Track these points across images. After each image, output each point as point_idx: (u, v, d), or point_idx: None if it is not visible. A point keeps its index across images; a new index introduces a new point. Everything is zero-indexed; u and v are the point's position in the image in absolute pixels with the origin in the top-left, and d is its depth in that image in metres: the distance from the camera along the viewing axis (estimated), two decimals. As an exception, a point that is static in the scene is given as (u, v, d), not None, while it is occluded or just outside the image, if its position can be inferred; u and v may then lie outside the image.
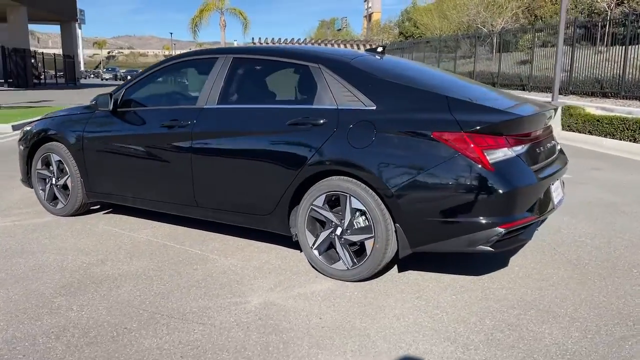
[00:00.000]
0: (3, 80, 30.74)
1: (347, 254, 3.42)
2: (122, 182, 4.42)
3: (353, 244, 3.43)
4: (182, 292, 3.26)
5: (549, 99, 12.27)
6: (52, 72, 39.21)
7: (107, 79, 57.53)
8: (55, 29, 37.86)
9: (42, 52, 37.32)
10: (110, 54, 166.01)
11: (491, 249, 3.10)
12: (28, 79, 30.65)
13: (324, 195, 3.44)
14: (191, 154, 3.90)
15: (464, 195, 3.06)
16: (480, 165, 3.03)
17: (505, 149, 3.13)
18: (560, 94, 15.00)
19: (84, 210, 4.87)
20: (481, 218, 3.06)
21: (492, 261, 3.83)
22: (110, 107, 4.31)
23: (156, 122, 4.12)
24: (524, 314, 3.04)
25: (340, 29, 67.32)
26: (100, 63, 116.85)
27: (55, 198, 4.86)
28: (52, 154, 4.76)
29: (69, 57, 37.21)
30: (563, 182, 4.02)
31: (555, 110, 3.90)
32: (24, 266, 3.66)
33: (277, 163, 3.57)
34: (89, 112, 4.54)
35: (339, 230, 3.43)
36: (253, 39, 21.14)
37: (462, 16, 25.59)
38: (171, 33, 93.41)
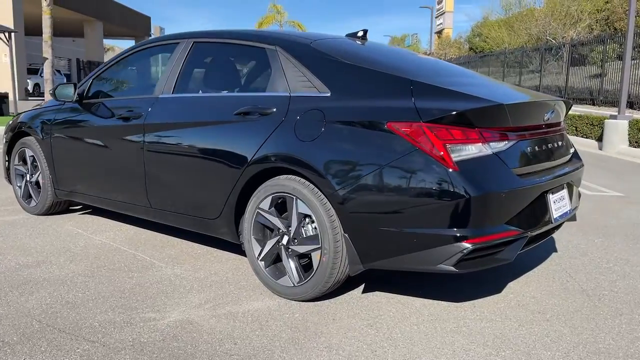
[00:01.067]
0: (77, 91, 32.23)
1: (293, 267, 2.87)
2: (84, 180, 4.08)
3: (302, 256, 2.88)
4: (96, 302, 2.83)
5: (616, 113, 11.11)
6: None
7: None
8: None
9: (117, 66, 38.93)
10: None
11: (454, 269, 2.45)
12: (100, 90, 32.01)
13: (270, 197, 2.91)
14: (143, 148, 3.50)
15: (421, 201, 2.45)
16: (441, 163, 2.41)
17: (479, 144, 2.49)
18: (633, 108, 13.70)
19: (59, 209, 4.58)
20: (442, 230, 2.43)
21: (483, 285, 3.15)
22: (74, 98, 4.00)
23: (114, 114, 3.76)
24: (495, 355, 2.37)
25: (410, 45, 66.67)
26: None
27: (30, 196, 4.62)
28: (26, 149, 4.53)
29: (141, 71, 38.67)
30: (578, 193, 3.29)
31: (568, 104, 3.18)
32: (-47, 264, 3.37)
33: (222, 159, 3.09)
34: (59, 104, 4.25)
35: (285, 239, 2.89)
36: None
37: (531, 27, 24.22)
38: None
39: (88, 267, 3.36)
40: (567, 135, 3.32)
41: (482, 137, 2.49)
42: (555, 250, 3.87)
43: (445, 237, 2.42)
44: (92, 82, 4.05)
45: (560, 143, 3.06)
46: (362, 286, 3.11)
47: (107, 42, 37.13)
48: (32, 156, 4.47)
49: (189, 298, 2.91)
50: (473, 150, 2.47)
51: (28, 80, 26.58)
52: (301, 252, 2.83)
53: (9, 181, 4.83)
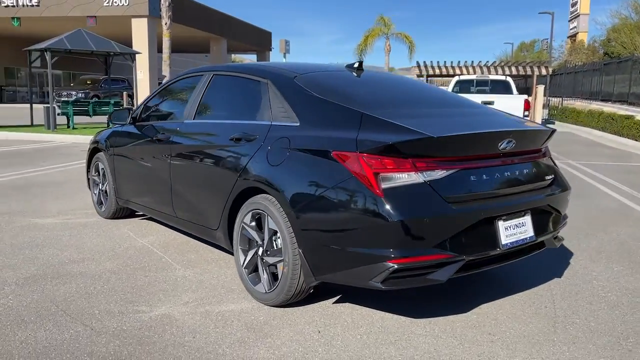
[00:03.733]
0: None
1: (266, 276, 3.26)
2: (133, 190, 4.80)
3: (273, 266, 3.26)
4: (107, 295, 3.42)
5: None
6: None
7: None
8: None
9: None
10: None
11: (381, 285, 2.69)
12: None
13: (250, 213, 3.33)
14: (170, 165, 4.09)
15: (354, 223, 2.73)
16: (369, 190, 2.67)
17: (412, 173, 2.71)
18: None
19: (123, 214, 5.35)
20: (372, 250, 2.69)
21: (454, 304, 3.29)
22: (128, 121, 4.73)
23: (153, 136, 4.40)
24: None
25: (538, 51, 63.21)
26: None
27: (102, 202, 5.46)
28: (99, 162, 5.37)
29: (263, 83, 41.01)
30: (559, 220, 3.30)
31: (544, 133, 3.23)
32: (21, 256, 4.17)
33: (219, 178, 3.57)
34: (121, 125, 5.02)
35: (260, 251, 3.29)
36: (417, 62, 20.94)
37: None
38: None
39: (119, 265, 4.00)
40: (547, 161, 3.35)
41: (415, 166, 2.70)
42: (559, 276, 3.84)
43: (374, 256, 2.68)
44: (143, 107, 4.76)
45: (526, 170, 3.13)
46: (337, 297, 3.40)
47: (234, 56, 39.98)
48: (103, 168, 5.30)
49: (181, 297, 3.41)
50: (403, 178, 2.69)
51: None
52: (271, 262, 3.21)
53: (90, 188, 5.73)
